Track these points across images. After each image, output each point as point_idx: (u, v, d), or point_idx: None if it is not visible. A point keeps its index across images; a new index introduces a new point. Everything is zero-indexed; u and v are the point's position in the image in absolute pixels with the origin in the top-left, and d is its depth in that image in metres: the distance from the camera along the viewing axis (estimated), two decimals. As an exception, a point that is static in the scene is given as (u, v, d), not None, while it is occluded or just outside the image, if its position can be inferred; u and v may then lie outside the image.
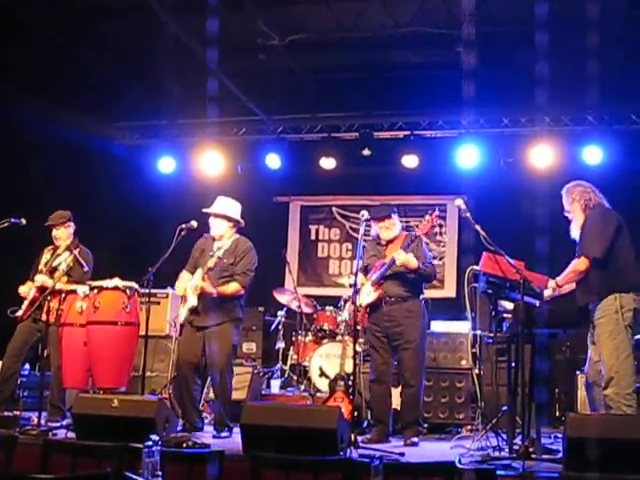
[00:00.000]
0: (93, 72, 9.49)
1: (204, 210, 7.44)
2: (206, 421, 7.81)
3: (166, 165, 11.64)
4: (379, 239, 7.44)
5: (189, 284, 7.27)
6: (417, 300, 7.31)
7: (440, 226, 11.87)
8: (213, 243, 7.40)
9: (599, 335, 6.08)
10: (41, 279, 7.68)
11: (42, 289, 7.60)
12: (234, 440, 6.32)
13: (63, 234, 7.92)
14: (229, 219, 7.41)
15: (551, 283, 6.24)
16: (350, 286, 7.62)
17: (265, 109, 10.98)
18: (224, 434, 7.02)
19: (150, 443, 3.90)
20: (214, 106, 9.35)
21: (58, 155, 10.11)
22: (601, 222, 6.23)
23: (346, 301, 9.28)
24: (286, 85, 10.28)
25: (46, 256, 7.96)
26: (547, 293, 6.24)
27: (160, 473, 3.90)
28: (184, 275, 7.44)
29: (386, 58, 9.81)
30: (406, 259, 7.04)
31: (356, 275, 6.87)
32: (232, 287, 7.22)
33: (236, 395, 7.87)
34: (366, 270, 7.41)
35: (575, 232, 6.44)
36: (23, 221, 7.64)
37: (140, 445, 4.13)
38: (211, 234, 7.47)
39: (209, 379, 8.77)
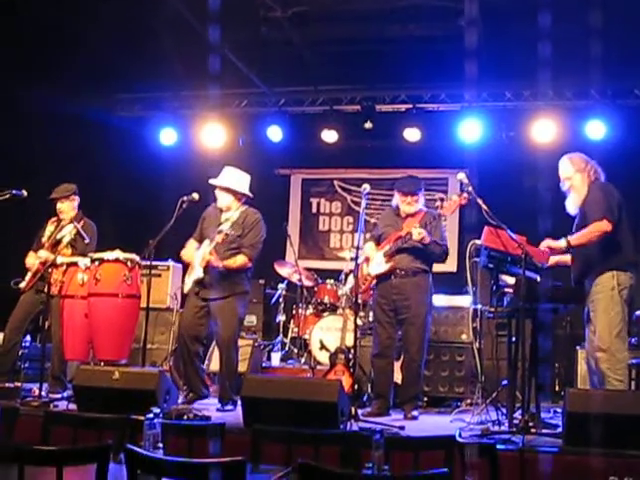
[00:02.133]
0: (94, 45, 9.41)
1: (210, 181, 7.37)
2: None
3: (168, 137, 11.62)
4: (398, 210, 7.35)
5: (196, 254, 7.25)
6: (426, 276, 7.28)
7: (442, 200, 11.85)
8: (221, 214, 7.35)
9: (594, 311, 6.10)
10: (44, 254, 7.68)
11: (44, 263, 7.60)
12: (237, 413, 6.34)
13: (68, 207, 7.91)
14: (234, 192, 7.34)
15: (561, 242, 6.16)
16: (351, 259, 7.61)
17: (267, 81, 10.93)
18: (228, 407, 7.01)
19: (151, 415, 3.90)
20: (216, 78, 9.30)
21: (59, 127, 10.07)
22: (610, 195, 6.19)
23: (347, 275, 9.29)
24: (288, 57, 10.22)
25: (50, 228, 7.96)
26: (560, 244, 6.16)
27: (161, 445, 3.90)
28: (191, 243, 7.41)
29: (388, 31, 9.71)
30: (422, 235, 6.96)
31: (357, 250, 6.84)
32: (239, 260, 7.16)
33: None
34: (379, 239, 7.37)
35: (573, 204, 6.39)
36: (24, 193, 7.62)
37: (141, 417, 4.14)
38: (218, 205, 7.40)
39: (210, 351, 8.84)
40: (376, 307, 7.34)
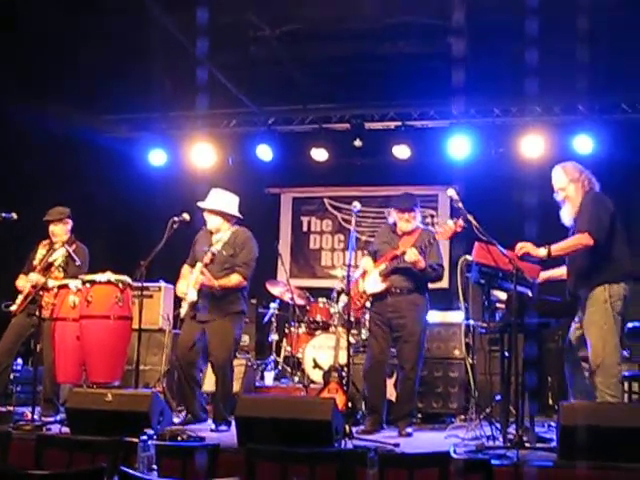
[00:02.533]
0: (81, 65, 9.43)
1: (198, 204, 7.40)
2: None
3: (157, 158, 11.61)
4: (395, 227, 7.38)
5: (190, 278, 7.25)
6: (422, 294, 7.31)
7: (432, 216, 11.89)
8: (212, 236, 7.37)
9: (587, 323, 6.09)
10: (34, 277, 7.68)
11: (36, 286, 7.58)
12: (232, 433, 6.33)
13: (61, 230, 7.92)
14: (223, 215, 7.36)
15: (542, 250, 6.14)
16: (343, 278, 7.62)
17: (256, 101, 10.94)
18: (223, 427, 6.99)
19: (145, 437, 3.90)
20: (204, 98, 9.31)
21: (47, 149, 10.08)
22: (603, 207, 6.19)
23: (339, 293, 9.28)
24: (277, 76, 10.24)
25: (41, 251, 7.95)
26: (540, 253, 6.15)
27: (156, 467, 3.90)
28: (185, 270, 7.43)
29: (377, 49, 9.76)
30: (416, 259, 7.00)
31: (349, 267, 6.84)
32: (234, 279, 7.18)
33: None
34: (375, 255, 7.38)
35: (568, 215, 6.38)
36: (14, 215, 7.60)
37: (135, 439, 4.13)
38: (207, 227, 7.43)
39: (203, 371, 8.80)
40: (371, 322, 7.34)
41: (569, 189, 6.34)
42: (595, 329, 6.01)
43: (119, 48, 9.18)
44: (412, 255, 6.98)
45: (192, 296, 7.16)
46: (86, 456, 4.54)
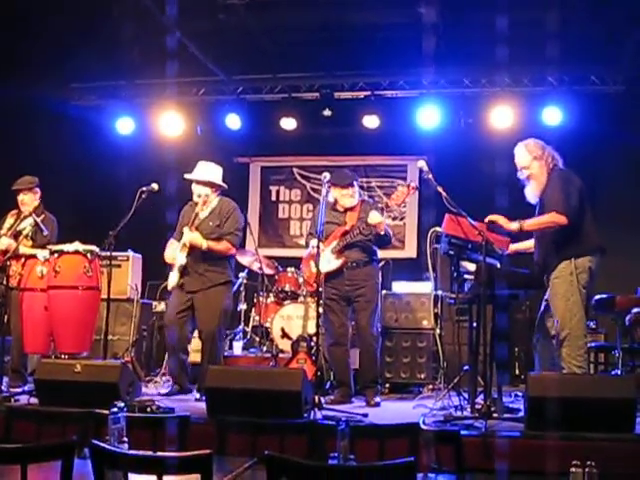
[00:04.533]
0: (47, 32, 9.29)
1: (186, 176, 7.43)
2: (169, 383, 7.89)
3: (125, 126, 11.51)
4: (335, 204, 7.40)
5: (177, 244, 7.33)
6: (375, 265, 7.43)
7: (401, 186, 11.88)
8: (197, 208, 7.43)
9: (553, 295, 6.15)
10: (5, 242, 7.56)
11: (5, 253, 7.49)
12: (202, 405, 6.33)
13: (29, 199, 7.83)
14: (212, 185, 7.43)
15: (515, 224, 6.16)
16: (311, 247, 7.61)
17: (225, 69, 10.87)
18: None
19: (116, 410, 3.89)
20: (173, 66, 9.23)
21: (12, 117, 9.94)
22: (572, 185, 6.20)
23: (302, 263, 9.26)
24: (246, 45, 10.16)
25: (9, 220, 7.86)
26: (512, 226, 6.18)
27: (126, 439, 3.90)
28: (172, 243, 7.47)
29: (347, 18, 9.72)
30: (380, 221, 6.97)
31: (319, 239, 6.82)
32: (222, 244, 7.31)
33: (197, 357, 7.85)
34: (320, 235, 7.38)
35: (532, 192, 6.40)
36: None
37: (105, 411, 4.12)
38: (194, 200, 7.47)
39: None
40: (327, 298, 7.33)
41: (533, 167, 6.35)
42: (561, 302, 6.06)
43: (87, 14, 9.05)
44: (375, 218, 6.97)
45: (181, 260, 7.26)
46: (56, 428, 4.54)
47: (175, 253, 7.34)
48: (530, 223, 6.20)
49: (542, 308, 6.41)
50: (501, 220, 6.20)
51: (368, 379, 7.20)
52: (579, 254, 6.07)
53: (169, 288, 7.48)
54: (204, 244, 7.22)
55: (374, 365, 7.25)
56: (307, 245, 7.53)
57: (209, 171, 7.50)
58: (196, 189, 7.44)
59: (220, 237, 7.32)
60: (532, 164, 6.35)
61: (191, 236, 7.23)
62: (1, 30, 9.02)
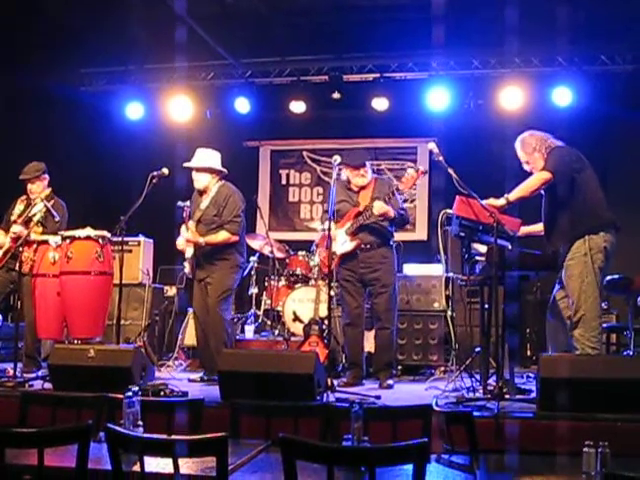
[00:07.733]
0: (58, 18, 9.29)
1: (185, 165, 7.43)
2: (181, 367, 7.95)
3: (134, 111, 11.49)
4: (349, 183, 7.41)
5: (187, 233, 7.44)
6: (390, 247, 7.37)
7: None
8: (201, 196, 7.50)
9: (568, 277, 6.13)
10: (17, 229, 7.57)
11: (17, 239, 7.51)
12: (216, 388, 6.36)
13: (38, 187, 7.81)
14: (211, 171, 7.44)
15: (501, 200, 6.15)
16: (322, 230, 7.62)
17: (233, 53, 10.84)
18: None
19: (130, 394, 3.92)
20: (182, 51, 9.22)
21: (23, 103, 9.96)
22: (563, 155, 6.23)
23: (318, 245, 9.27)
24: (255, 28, 10.14)
25: (19, 207, 7.87)
26: (500, 202, 6.15)
27: (141, 423, 3.93)
28: (184, 231, 7.50)
29: (356, 0, 9.69)
30: (385, 210, 7.04)
31: (330, 221, 6.82)
32: (221, 236, 7.33)
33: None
34: (335, 215, 7.38)
35: None
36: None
37: (119, 395, 4.15)
38: (195, 187, 7.51)
39: (184, 325, 8.91)
40: (342, 280, 7.35)
41: (533, 159, 6.40)
42: (576, 283, 6.05)
43: (96, 1, 9.05)
44: (380, 208, 7.02)
45: (188, 253, 7.43)
46: (71, 412, 4.56)
47: (184, 244, 7.46)
48: (514, 192, 6.20)
49: (555, 289, 6.40)
50: (491, 201, 6.18)
51: (383, 362, 7.22)
52: (592, 230, 6.05)
53: (187, 275, 7.65)
54: (201, 241, 7.29)
55: (390, 348, 7.26)
56: (323, 223, 7.52)
57: (207, 157, 7.50)
58: (195, 176, 7.48)
59: (220, 226, 7.34)
60: (532, 157, 6.41)
61: (187, 236, 7.34)
62: (12, 17, 9.00)
